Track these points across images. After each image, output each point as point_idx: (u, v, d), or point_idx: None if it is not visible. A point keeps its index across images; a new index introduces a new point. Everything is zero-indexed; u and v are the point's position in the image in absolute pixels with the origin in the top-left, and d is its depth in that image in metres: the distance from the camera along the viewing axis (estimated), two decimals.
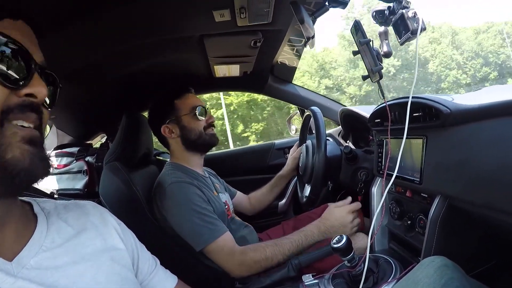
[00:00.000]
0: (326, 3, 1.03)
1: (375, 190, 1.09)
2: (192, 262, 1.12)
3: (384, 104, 0.97)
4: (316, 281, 0.94)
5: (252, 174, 1.87)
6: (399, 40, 0.89)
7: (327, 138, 1.47)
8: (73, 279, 0.52)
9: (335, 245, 0.81)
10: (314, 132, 1.32)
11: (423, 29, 0.81)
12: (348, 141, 1.42)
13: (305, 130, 1.52)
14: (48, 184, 1.69)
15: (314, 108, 1.32)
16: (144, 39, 1.20)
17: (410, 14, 0.81)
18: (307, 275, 0.96)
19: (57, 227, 0.57)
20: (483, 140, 0.69)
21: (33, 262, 0.50)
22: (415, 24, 0.81)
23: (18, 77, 0.48)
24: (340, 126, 1.66)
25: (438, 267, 0.61)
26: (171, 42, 1.29)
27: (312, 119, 1.33)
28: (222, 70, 1.66)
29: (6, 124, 0.46)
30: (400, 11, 0.84)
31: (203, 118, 1.33)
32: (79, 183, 1.66)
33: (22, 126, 0.48)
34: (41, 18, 0.84)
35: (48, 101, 0.55)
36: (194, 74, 1.65)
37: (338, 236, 0.83)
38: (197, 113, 1.30)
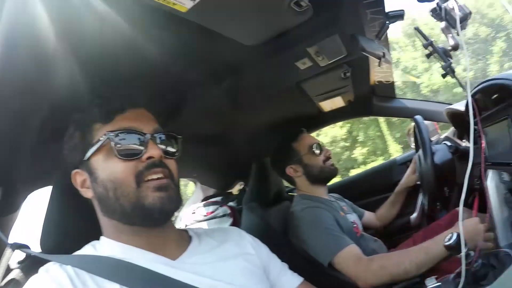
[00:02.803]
0: (386, 22, 1.14)
1: (488, 183, 1.00)
2: (319, 277, 1.13)
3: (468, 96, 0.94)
4: (439, 283, 0.89)
5: (379, 193, 1.88)
6: (455, 31, 0.90)
7: (444, 142, 1.41)
8: (217, 270, 0.71)
9: (446, 243, 0.80)
10: None
11: (469, 13, 0.82)
12: (463, 140, 1.30)
13: (416, 141, 1.49)
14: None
15: (416, 117, 1.33)
16: (253, 102, 1.46)
17: (450, 5, 0.85)
18: (429, 278, 0.92)
19: (206, 241, 0.80)
20: None
21: (191, 260, 0.72)
22: (458, 13, 0.83)
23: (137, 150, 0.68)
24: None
25: None
26: (277, 97, 1.51)
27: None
28: (328, 104, 1.81)
29: (142, 184, 0.67)
30: (443, 5, 0.88)
31: (321, 154, 1.52)
32: (225, 224, 1.92)
33: (152, 179, 0.67)
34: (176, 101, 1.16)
35: (170, 151, 0.74)
36: (304, 114, 1.85)
37: (450, 234, 0.81)
38: (315, 151, 1.51)
